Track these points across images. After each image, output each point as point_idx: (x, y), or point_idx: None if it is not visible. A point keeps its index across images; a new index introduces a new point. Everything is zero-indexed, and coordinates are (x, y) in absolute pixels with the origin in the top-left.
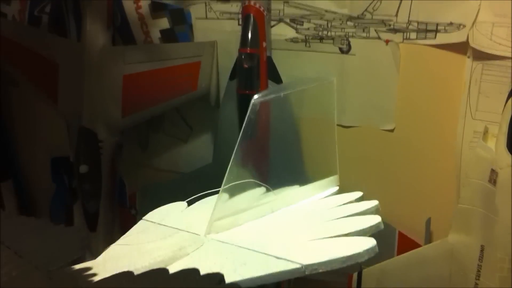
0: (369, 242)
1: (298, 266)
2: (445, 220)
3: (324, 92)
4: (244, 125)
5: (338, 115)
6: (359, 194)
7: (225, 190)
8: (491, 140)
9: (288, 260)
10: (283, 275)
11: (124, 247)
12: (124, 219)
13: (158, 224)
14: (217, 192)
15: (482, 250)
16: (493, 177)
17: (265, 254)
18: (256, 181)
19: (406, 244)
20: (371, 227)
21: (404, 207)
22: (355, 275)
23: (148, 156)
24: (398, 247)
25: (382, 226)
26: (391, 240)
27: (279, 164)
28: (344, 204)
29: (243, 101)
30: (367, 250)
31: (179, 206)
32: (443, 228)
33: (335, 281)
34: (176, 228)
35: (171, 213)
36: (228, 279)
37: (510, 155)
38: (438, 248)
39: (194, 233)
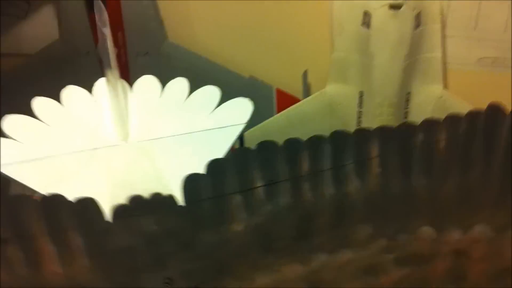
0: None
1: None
2: (322, 71)
3: None
4: None
5: None
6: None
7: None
8: None
9: None
10: None
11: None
12: None
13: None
14: None
15: (361, 97)
16: (366, 20)
17: None
18: None
19: (285, 100)
20: None
21: (279, 63)
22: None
23: None
24: (277, 105)
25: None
26: (269, 98)
27: None
28: None
29: None
30: None
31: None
32: (320, 80)
33: None
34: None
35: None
36: None
37: None
38: (317, 100)
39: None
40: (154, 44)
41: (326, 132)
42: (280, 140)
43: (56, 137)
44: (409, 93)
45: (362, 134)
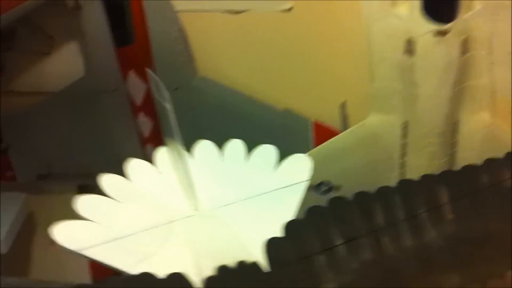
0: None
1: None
2: (360, 102)
3: None
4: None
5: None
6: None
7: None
8: (402, 6)
9: None
10: None
11: None
12: None
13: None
14: None
15: (405, 127)
16: (409, 47)
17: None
18: None
19: (323, 133)
20: None
21: (315, 94)
22: None
23: (5, 79)
24: (315, 139)
25: None
26: (305, 132)
27: None
28: None
29: None
30: None
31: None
32: (359, 111)
33: None
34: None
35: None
36: None
37: (426, 20)
38: (357, 132)
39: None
40: (184, 79)
41: (368, 166)
42: (319, 175)
43: (129, 214)
44: (456, 122)
45: (428, 181)
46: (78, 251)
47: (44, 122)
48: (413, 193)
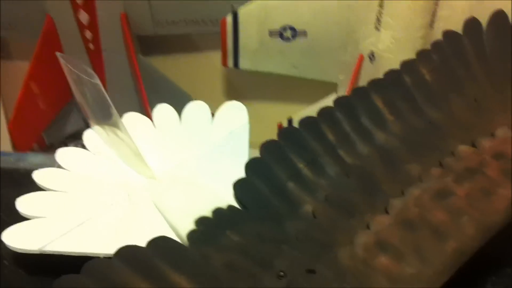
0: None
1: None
2: None
3: None
4: None
5: None
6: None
7: None
8: None
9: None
10: None
11: None
12: None
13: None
14: None
15: None
16: None
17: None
18: None
19: None
20: None
21: None
22: (229, 18)
23: None
24: None
25: None
26: None
27: None
28: None
29: None
30: None
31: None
32: None
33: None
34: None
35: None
36: None
37: None
38: None
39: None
40: None
41: (342, 5)
42: (282, 18)
43: (79, 200)
44: None
45: (360, 92)
46: (40, 250)
47: None
48: (352, 106)
